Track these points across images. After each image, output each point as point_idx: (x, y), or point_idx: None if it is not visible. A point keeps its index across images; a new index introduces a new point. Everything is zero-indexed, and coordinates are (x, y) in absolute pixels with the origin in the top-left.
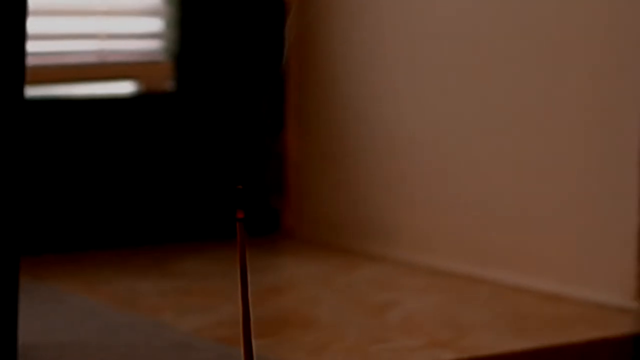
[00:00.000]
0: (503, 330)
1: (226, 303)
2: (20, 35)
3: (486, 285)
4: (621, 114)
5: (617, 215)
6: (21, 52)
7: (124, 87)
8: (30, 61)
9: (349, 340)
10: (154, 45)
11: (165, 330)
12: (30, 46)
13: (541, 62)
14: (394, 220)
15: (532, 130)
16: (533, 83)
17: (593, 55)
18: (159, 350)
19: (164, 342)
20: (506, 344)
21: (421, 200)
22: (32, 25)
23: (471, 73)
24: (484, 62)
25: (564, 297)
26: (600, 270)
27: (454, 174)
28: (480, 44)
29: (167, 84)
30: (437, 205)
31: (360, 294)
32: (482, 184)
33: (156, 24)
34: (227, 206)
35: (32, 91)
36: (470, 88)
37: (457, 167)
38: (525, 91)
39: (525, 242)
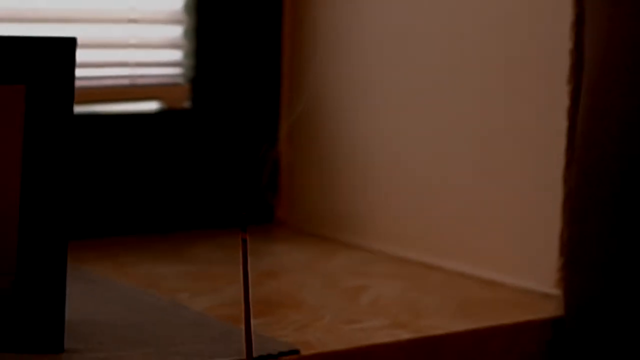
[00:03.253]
0: (451, 313)
1: (230, 285)
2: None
3: (440, 272)
4: (546, 121)
5: (544, 215)
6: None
7: (150, 106)
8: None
9: (327, 319)
10: (174, 71)
11: (180, 309)
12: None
13: (464, 69)
14: (368, 216)
15: (472, 142)
16: (474, 105)
17: (513, 67)
18: (176, 327)
19: (180, 320)
20: (453, 325)
21: (390, 200)
22: (78, 55)
23: (431, 94)
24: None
25: (501, 284)
26: (529, 262)
27: (417, 181)
28: (435, 68)
29: (185, 103)
30: (403, 205)
31: (338, 279)
32: (438, 189)
33: (176, 55)
34: (232, 201)
35: (77, 109)
36: (431, 109)
37: (419, 175)
38: (466, 116)
39: (471, 237)
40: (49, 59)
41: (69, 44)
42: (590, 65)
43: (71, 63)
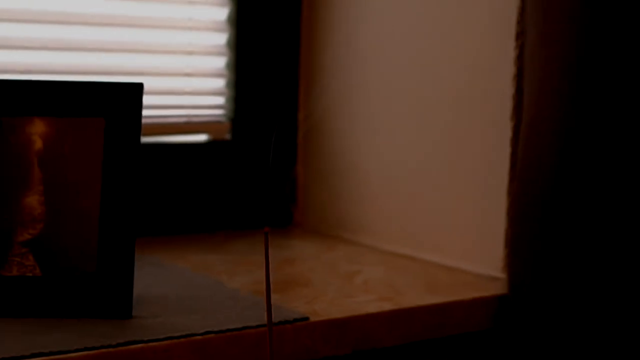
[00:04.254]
0: (423, 291)
1: (259, 269)
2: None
3: (415, 261)
4: (495, 149)
5: (493, 218)
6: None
7: (200, 138)
8: (143, 121)
9: (330, 295)
10: (219, 112)
11: (222, 287)
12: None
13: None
14: (362, 219)
15: (441, 165)
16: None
17: (462, 68)
18: (218, 300)
19: (222, 295)
20: (424, 300)
21: (379, 208)
22: (149, 100)
23: (411, 104)
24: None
25: (460, 269)
26: (481, 253)
27: (400, 194)
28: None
29: (226, 136)
30: (388, 211)
31: (338, 265)
32: (415, 200)
33: (220, 100)
34: (261, 208)
35: (145, 139)
36: (411, 140)
37: (401, 190)
38: (431, 131)
39: (439, 235)
40: (123, 98)
41: (138, 87)
42: (528, 106)
43: (139, 102)
